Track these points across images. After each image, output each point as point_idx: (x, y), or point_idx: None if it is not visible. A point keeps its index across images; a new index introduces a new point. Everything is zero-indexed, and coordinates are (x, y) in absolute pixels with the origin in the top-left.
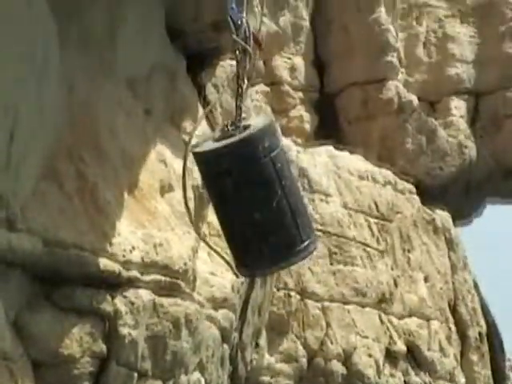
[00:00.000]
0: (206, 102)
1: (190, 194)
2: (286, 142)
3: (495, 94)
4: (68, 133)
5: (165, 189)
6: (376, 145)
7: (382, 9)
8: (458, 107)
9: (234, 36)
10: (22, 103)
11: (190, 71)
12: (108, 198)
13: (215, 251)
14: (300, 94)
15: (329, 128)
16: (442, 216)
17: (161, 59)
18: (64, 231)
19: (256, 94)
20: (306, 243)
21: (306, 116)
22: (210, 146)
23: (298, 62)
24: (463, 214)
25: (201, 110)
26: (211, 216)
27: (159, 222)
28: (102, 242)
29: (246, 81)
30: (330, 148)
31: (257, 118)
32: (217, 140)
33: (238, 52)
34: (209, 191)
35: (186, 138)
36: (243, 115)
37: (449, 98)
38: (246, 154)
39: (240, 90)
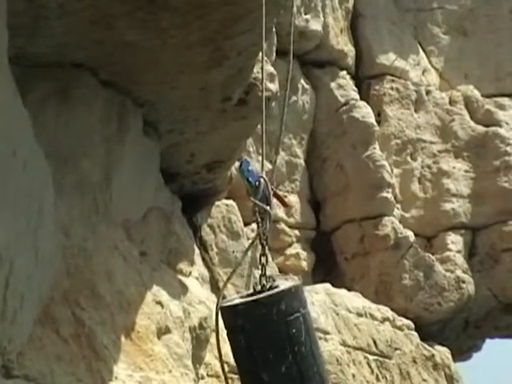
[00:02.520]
0: (202, 243)
1: (188, 335)
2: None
3: (491, 228)
4: (64, 278)
5: (161, 331)
6: (373, 281)
7: (376, 145)
8: (455, 242)
9: (253, 199)
10: (18, 253)
11: (186, 212)
12: (105, 342)
13: None
14: (296, 232)
15: (326, 265)
16: (442, 352)
17: (156, 202)
18: (61, 377)
19: (252, 233)
20: None
21: (303, 254)
22: (234, 301)
23: (294, 200)
24: (462, 349)
25: (197, 251)
26: (209, 357)
27: (156, 365)
28: None
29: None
30: (328, 285)
31: (286, 281)
32: (243, 297)
33: (257, 213)
34: (229, 342)
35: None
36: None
37: (445, 233)
38: (260, 314)
39: (264, 250)
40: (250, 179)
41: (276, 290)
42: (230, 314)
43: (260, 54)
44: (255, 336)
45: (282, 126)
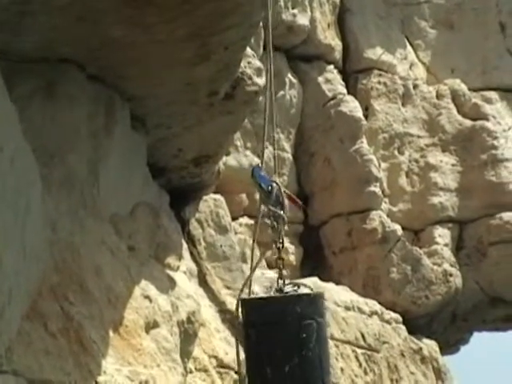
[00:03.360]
0: (189, 238)
1: (176, 329)
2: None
3: (479, 221)
4: (52, 273)
5: (150, 325)
6: (361, 275)
7: (364, 140)
8: (442, 235)
9: (269, 205)
10: (5, 248)
11: (174, 207)
12: (93, 337)
13: None
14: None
15: (314, 259)
16: (429, 345)
17: (144, 196)
18: (49, 371)
19: (240, 227)
20: None
21: (291, 248)
22: (256, 296)
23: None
24: (450, 342)
25: (185, 245)
26: (197, 351)
27: (145, 359)
28: (88, 381)
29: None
30: (316, 279)
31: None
32: (266, 292)
33: (272, 218)
34: (243, 335)
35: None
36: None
37: (432, 227)
38: (274, 312)
39: (279, 253)
40: (263, 185)
41: (294, 293)
42: (245, 308)
43: (248, 48)
44: (266, 332)
45: (266, 122)
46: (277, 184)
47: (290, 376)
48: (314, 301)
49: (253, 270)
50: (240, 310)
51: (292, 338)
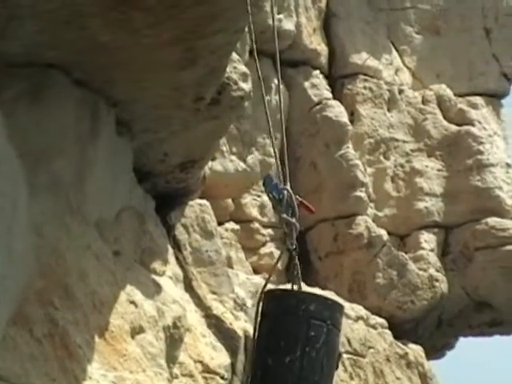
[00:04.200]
0: (175, 243)
1: (161, 334)
2: None
3: (464, 226)
4: (37, 277)
5: (135, 330)
6: (347, 280)
7: (350, 145)
8: (428, 241)
9: (281, 214)
10: None
11: (159, 211)
12: (78, 342)
13: None
14: (270, 231)
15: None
16: (415, 350)
17: (129, 201)
18: (34, 377)
19: (226, 232)
20: None
21: (277, 253)
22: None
23: (268, 199)
24: (436, 347)
25: (170, 250)
26: (182, 356)
27: (130, 364)
28: None
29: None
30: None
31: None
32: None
33: (285, 226)
34: (258, 325)
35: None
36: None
37: (418, 232)
38: (288, 305)
39: (295, 260)
40: (274, 193)
41: (314, 292)
42: (265, 299)
43: (233, 53)
44: (277, 322)
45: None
46: (288, 192)
47: (289, 368)
48: (331, 307)
49: (272, 270)
50: (263, 301)
51: (300, 332)
